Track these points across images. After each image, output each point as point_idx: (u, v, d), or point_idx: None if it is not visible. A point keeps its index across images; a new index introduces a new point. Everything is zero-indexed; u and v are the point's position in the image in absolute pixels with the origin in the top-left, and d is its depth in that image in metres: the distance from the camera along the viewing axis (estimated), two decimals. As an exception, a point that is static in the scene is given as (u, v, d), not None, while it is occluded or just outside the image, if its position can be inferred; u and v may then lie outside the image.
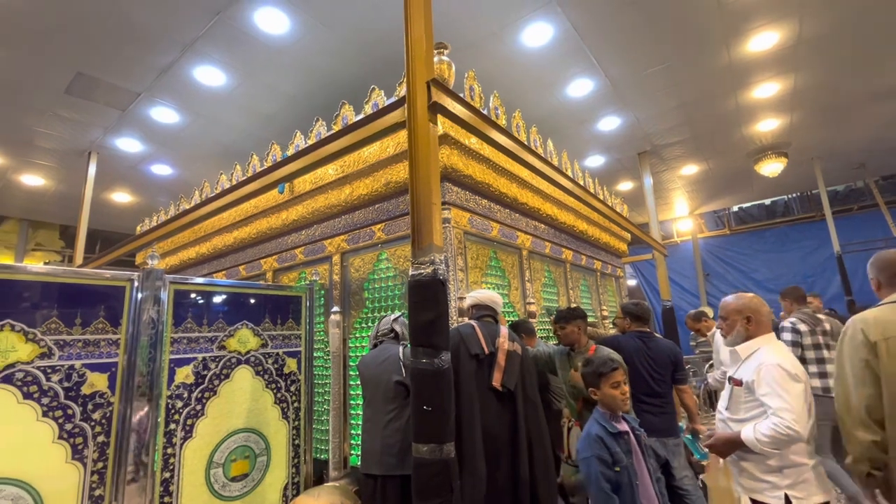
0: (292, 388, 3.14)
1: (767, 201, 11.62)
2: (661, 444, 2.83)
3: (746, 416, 1.89)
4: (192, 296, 2.72)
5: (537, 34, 4.57)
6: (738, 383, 1.96)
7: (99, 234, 10.36)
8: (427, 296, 1.96)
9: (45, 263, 9.50)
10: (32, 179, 7.31)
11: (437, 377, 1.88)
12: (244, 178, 4.05)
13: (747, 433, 1.81)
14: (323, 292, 3.66)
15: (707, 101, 6.15)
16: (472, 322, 2.36)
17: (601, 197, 5.37)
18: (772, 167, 7.95)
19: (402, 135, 2.93)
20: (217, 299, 2.85)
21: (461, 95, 3.20)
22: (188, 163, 7.02)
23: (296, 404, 3.13)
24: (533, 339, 3.43)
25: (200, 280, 2.85)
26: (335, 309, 3.55)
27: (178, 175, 7.46)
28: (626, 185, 9.52)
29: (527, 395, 2.23)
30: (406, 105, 2.26)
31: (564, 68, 5.23)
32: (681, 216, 12.02)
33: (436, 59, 2.97)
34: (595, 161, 8.05)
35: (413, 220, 2.09)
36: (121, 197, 8.38)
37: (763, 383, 1.82)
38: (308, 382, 3.25)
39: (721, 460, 2.01)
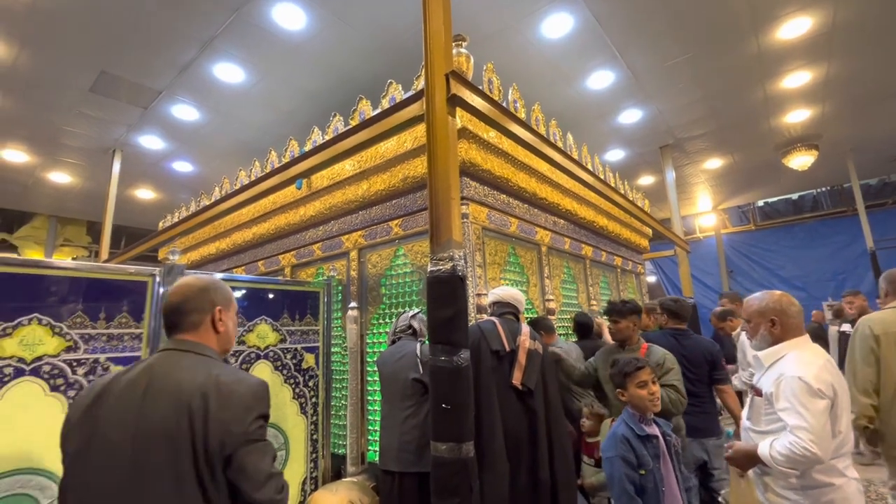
0: (310, 384, 3.15)
1: (795, 196, 11.22)
2: (699, 445, 2.75)
3: (767, 428, 1.78)
4: (212, 291, 2.74)
5: (557, 25, 4.47)
6: (759, 393, 1.84)
7: (124, 230, 10.63)
8: (446, 292, 1.93)
9: (73, 259, 9.80)
10: (60, 177, 7.52)
11: (455, 375, 1.84)
12: (262, 174, 4.08)
13: (763, 449, 1.69)
14: (340, 288, 3.66)
15: (733, 91, 5.95)
16: (494, 318, 2.32)
17: (622, 191, 5.25)
18: (801, 160, 7.66)
19: (420, 129, 2.89)
20: (237, 294, 2.86)
21: (480, 88, 3.15)
22: (209, 160, 7.13)
23: (314, 399, 3.14)
24: (552, 335, 3.37)
25: (220, 275, 2.87)
26: (353, 304, 3.54)
27: (199, 172, 7.59)
28: (647, 180, 9.31)
29: (547, 396, 2.18)
30: (425, 98, 2.22)
31: (585, 60, 5.11)
32: (704, 211, 11.72)
33: (454, 51, 2.92)
34: (615, 155, 7.89)
35: (431, 215, 2.06)
36: (144, 193, 8.57)
37: (782, 397, 1.68)
38: (326, 378, 3.26)
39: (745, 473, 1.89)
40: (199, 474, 1.04)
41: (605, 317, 2.82)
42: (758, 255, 11.01)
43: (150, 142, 6.41)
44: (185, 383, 1.10)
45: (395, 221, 3.43)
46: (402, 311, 3.17)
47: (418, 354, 2.48)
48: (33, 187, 7.92)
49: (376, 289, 3.52)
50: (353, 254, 3.71)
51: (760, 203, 11.52)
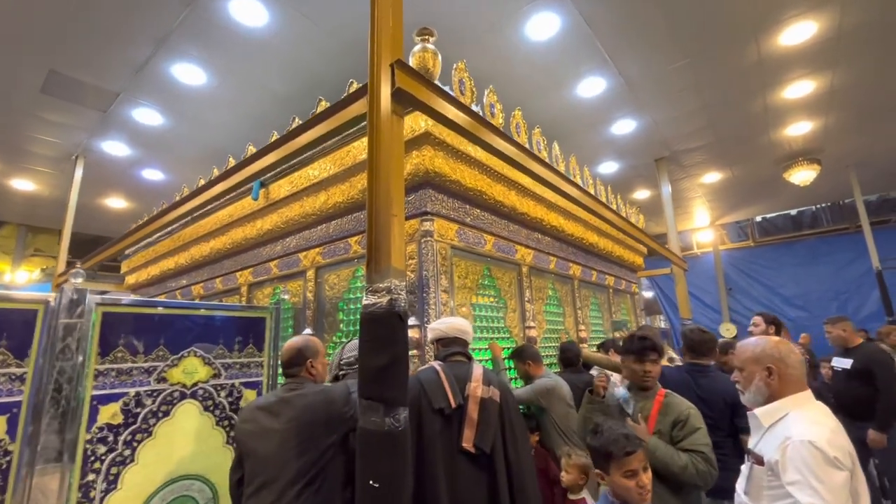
0: (250, 425, 2.72)
1: (793, 211, 10.89)
2: None
3: None
4: (125, 319, 2.33)
5: (543, 25, 4.13)
6: (760, 461, 1.44)
7: (101, 239, 10.18)
8: (381, 334, 1.53)
9: (42, 270, 9.35)
10: (24, 184, 7.12)
11: (387, 441, 1.43)
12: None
13: None
14: (292, 313, 3.25)
15: (732, 102, 5.62)
16: (436, 365, 1.89)
17: (614, 206, 4.87)
18: (803, 175, 7.33)
19: (377, 133, 2.51)
20: (158, 323, 2.45)
21: (450, 88, 2.78)
22: (179, 167, 6.73)
23: (253, 444, 2.71)
24: (540, 366, 2.97)
25: (135, 300, 2.46)
26: (307, 331, 3.13)
27: (171, 180, 7.18)
28: (642, 194, 8.97)
29: (508, 457, 1.75)
30: (369, 93, 1.84)
31: (574, 65, 4.77)
32: (701, 226, 11.36)
33: (418, 46, 2.57)
34: (608, 167, 7.54)
35: (370, 235, 1.66)
36: (116, 203, 8.15)
37: (790, 467, 1.32)
38: (270, 417, 2.83)
39: None
40: (317, 436, 1.75)
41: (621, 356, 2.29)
42: (757, 272, 10.62)
43: (115, 148, 6.02)
44: (297, 397, 1.85)
45: (355, 238, 3.04)
46: (353, 339, 2.76)
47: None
48: (-2, 195, 7.51)
49: (333, 313, 3.11)
50: (311, 273, 3.31)
51: (759, 218, 11.18)
